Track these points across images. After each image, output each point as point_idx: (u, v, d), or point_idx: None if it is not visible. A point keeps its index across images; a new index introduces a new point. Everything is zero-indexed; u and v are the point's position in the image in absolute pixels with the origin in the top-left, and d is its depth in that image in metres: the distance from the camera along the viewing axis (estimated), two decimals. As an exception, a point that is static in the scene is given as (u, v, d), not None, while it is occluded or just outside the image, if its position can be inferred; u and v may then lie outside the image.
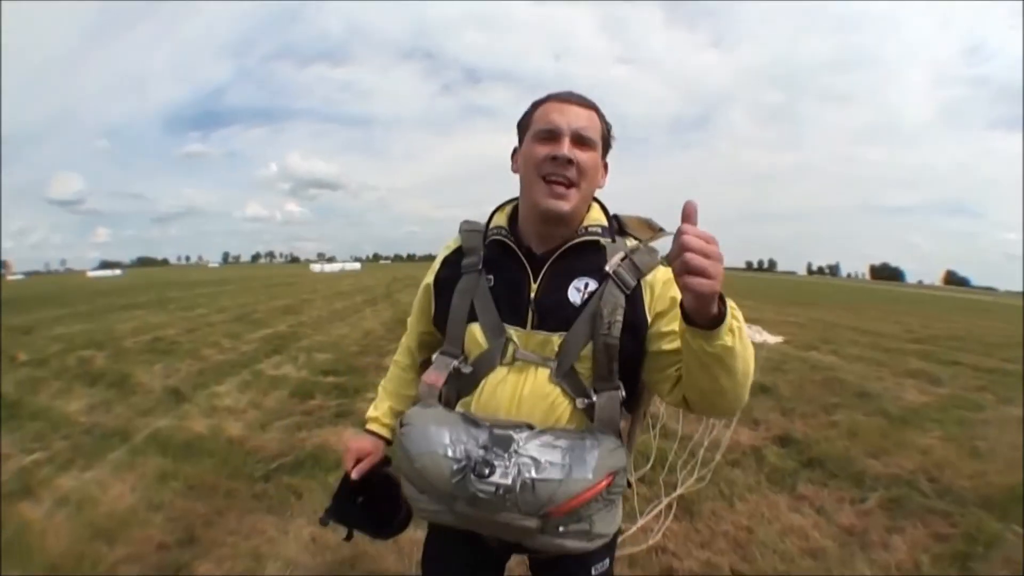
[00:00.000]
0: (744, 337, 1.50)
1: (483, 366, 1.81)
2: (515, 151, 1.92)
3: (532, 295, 1.79)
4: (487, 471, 1.52)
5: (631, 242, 1.89)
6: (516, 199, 1.97)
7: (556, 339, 1.75)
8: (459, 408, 1.85)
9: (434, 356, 1.97)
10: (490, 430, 1.64)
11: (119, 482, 5.18)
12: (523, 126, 1.87)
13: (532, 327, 1.78)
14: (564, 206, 1.73)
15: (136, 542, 4.18)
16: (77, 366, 10.49)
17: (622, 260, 1.78)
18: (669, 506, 3.78)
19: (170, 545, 4.15)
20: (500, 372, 1.79)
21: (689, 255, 1.27)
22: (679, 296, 1.53)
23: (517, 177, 1.89)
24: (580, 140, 1.74)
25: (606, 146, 1.87)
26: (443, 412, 1.79)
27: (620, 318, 1.71)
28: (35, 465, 5.67)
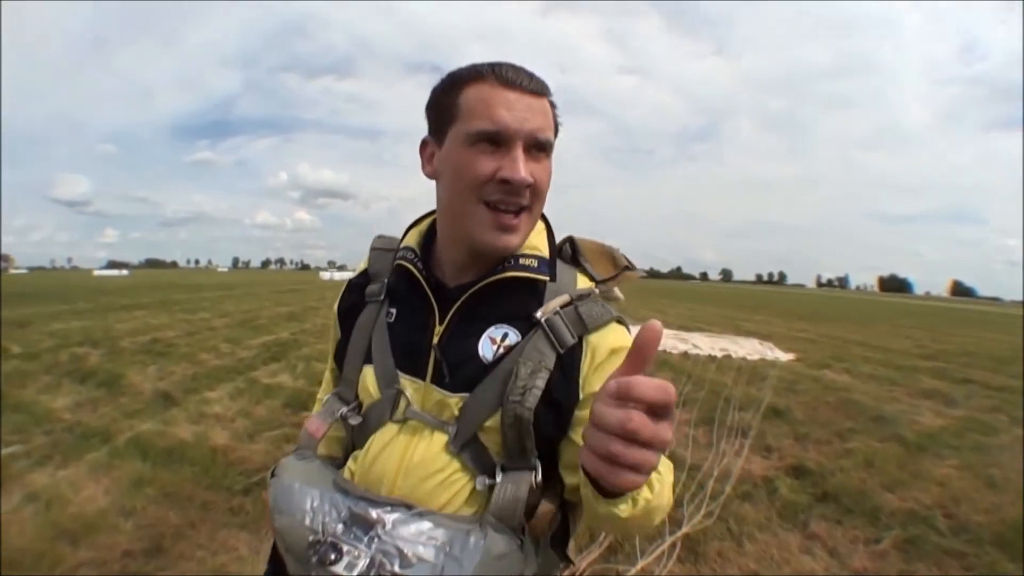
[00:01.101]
0: (651, 508, 1.18)
1: (372, 419, 1.44)
2: (425, 144, 1.44)
3: (434, 340, 1.38)
4: (332, 557, 1.20)
5: (583, 282, 1.48)
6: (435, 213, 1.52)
7: (454, 401, 1.35)
8: (349, 463, 1.47)
9: (325, 397, 1.59)
10: (355, 503, 1.29)
11: (93, 483, 5.05)
12: (445, 112, 1.35)
13: (432, 380, 1.38)
14: (514, 241, 1.34)
15: (101, 547, 4.03)
16: (69, 362, 10.38)
17: (564, 307, 1.36)
18: (673, 545, 3.55)
19: (135, 553, 3.99)
20: (389, 430, 1.40)
21: (620, 447, 0.84)
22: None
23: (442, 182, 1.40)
24: (536, 146, 1.30)
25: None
26: (316, 469, 1.42)
27: (540, 384, 1.29)
28: (10, 458, 5.60)
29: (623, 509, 1.10)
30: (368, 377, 1.44)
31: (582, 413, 1.33)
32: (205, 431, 6.66)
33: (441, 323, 1.39)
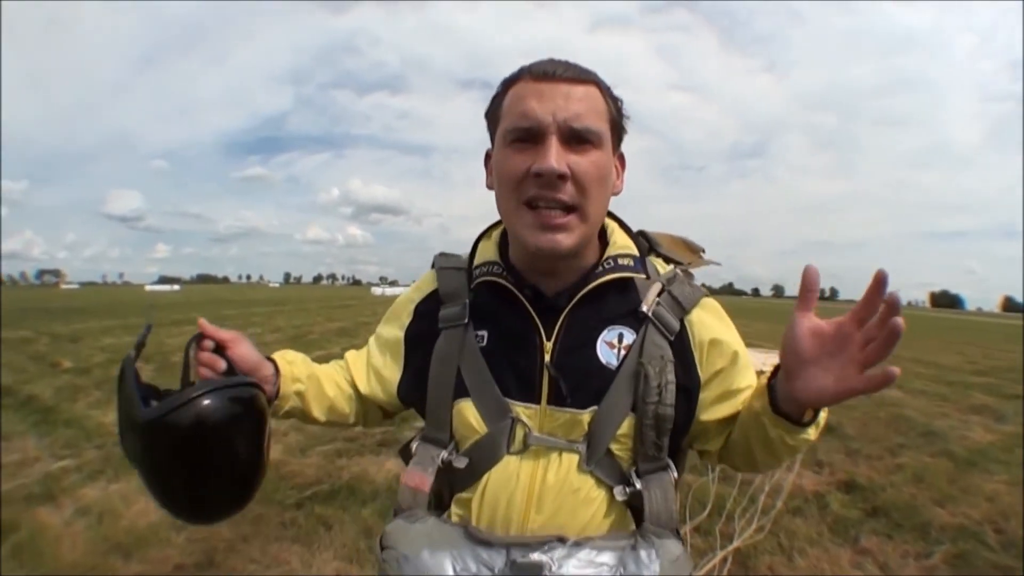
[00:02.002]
0: (821, 426, 1.26)
1: (483, 457, 1.31)
2: (488, 156, 1.41)
3: (547, 357, 1.29)
4: None
5: (662, 266, 1.46)
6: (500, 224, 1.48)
7: (585, 417, 1.27)
8: (454, 507, 1.35)
9: (414, 444, 1.43)
10: (507, 553, 1.16)
11: (145, 498, 4.91)
12: (492, 117, 1.35)
13: (549, 401, 1.29)
14: (563, 242, 1.23)
15: (153, 560, 4.06)
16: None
17: (659, 294, 1.35)
18: (724, 560, 3.52)
19: (187, 567, 4.01)
20: (509, 464, 1.29)
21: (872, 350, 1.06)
22: (740, 349, 1.38)
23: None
24: (575, 136, 1.21)
25: (617, 133, 1.33)
26: (438, 528, 1.26)
27: (672, 378, 1.26)
28: (62, 472, 5.69)
29: (811, 433, 1.22)
30: (467, 412, 1.33)
31: (707, 394, 1.35)
32: (257, 445, 6.64)
33: (549, 338, 1.31)
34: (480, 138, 1.41)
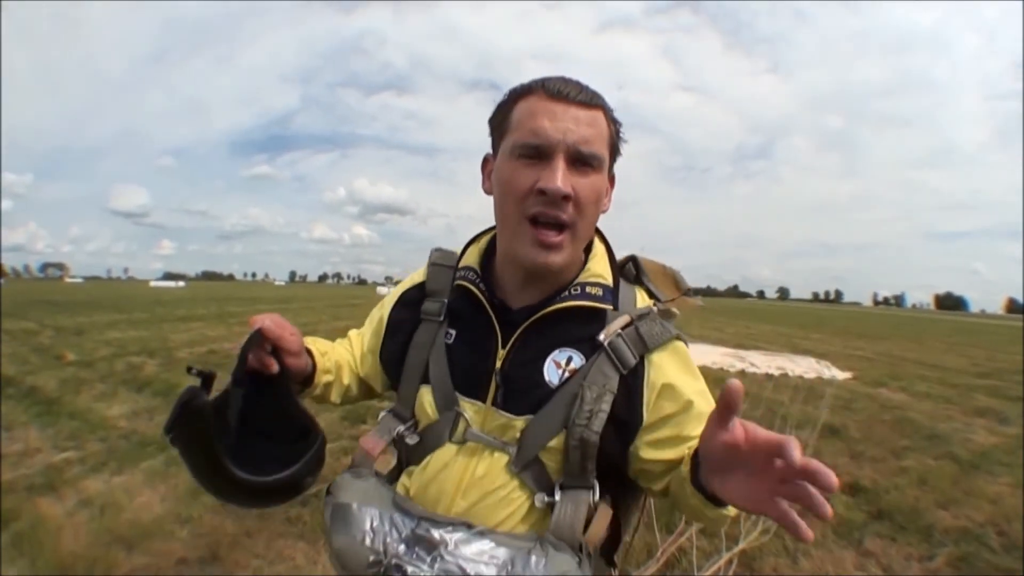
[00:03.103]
0: None
1: (430, 440, 1.45)
2: (486, 161, 1.47)
3: (497, 364, 1.39)
4: None
5: (642, 300, 1.49)
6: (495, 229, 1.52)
7: (519, 424, 1.36)
8: (404, 477, 1.51)
9: (380, 413, 1.57)
10: (417, 523, 1.31)
11: (149, 490, 5.09)
12: (499, 126, 1.39)
13: (493, 403, 1.39)
14: (555, 260, 1.31)
15: (156, 553, 4.06)
16: (125, 371, 10.56)
17: (624, 327, 1.38)
18: (729, 561, 3.52)
19: (191, 561, 4.01)
20: (448, 451, 1.42)
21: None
22: (695, 400, 1.36)
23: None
24: (580, 159, 1.28)
25: (614, 156, 1.40)
26: (374, 488, 1.43)
27: (606, 408, 1.31)
28: (65, 463, 5.71)
29: (730, 511, 1.21)
30: (426, 398, 1.46)
31: (652, 436, 1.35)
32: (263, 441, 6.64)
33: (504, 347, 1.40)
34: (486, 136, 1.46)
